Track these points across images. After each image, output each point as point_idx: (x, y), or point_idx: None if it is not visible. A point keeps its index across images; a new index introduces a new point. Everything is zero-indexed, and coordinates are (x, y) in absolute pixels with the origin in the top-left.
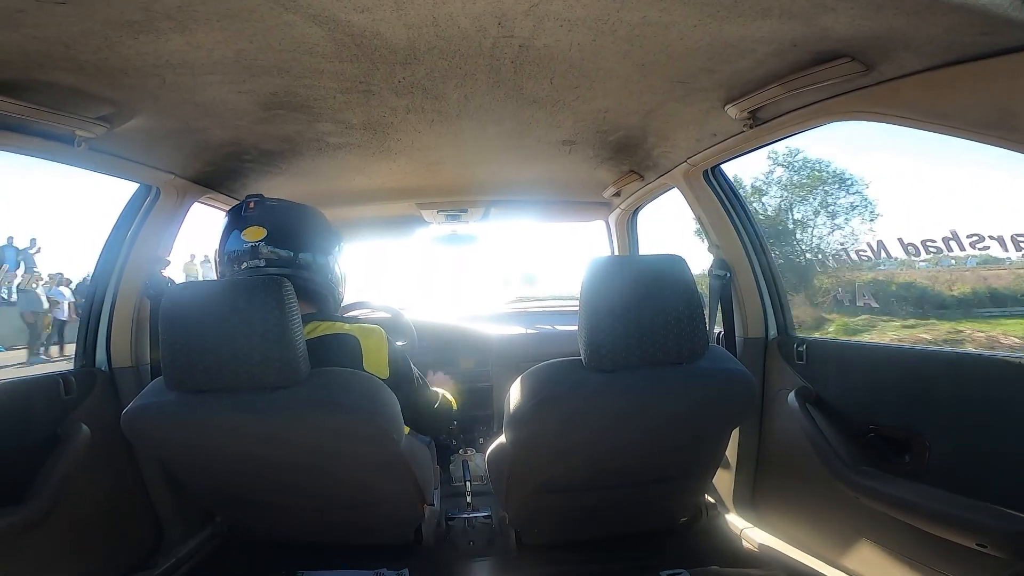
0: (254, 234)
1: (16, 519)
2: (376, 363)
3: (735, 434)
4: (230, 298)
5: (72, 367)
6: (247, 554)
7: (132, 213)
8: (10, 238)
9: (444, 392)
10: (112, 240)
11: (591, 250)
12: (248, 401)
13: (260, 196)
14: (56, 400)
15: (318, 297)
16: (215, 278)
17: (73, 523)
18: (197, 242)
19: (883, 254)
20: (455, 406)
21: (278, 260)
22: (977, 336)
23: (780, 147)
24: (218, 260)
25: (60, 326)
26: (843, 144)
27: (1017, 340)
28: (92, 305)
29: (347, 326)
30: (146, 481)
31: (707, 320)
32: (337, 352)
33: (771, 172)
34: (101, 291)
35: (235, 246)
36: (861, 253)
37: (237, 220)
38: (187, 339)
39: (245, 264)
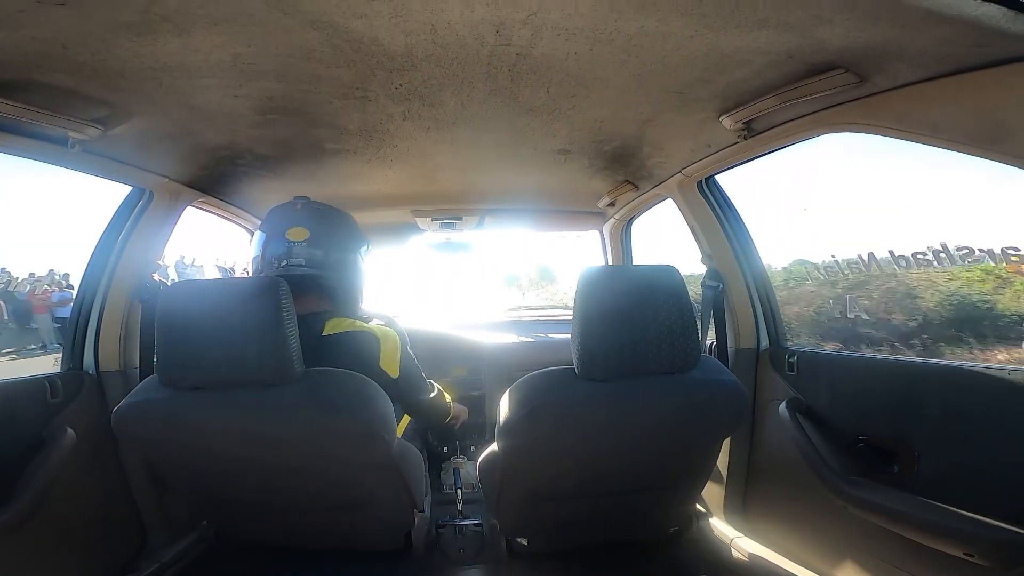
0: (298, 234)
1: None
2: (391, 362)
3: (726, 444)
4: (225, 296)
5: (59, 370)
6: (233, 559)
7: (124, 216)
8: None
9: (440, 387)
10: (103, 243)
11: (591, 257)
12: (242, 398)
13: (307, 198)
14: (42, 403)
15: (340, 297)
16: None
17: (56, 527)
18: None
19: None
20: (448, 399)
21: (314, 261)
22: None
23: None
24: (259, 256)
25: None
26: None
27: None
28: (81, 308)
29: (367, 325)
30: (131, 485)
31: (699, 331)
32: (357, 348)
33: None
34: (91, 294)
35: (278, 244)
36: None
37: (284, 219)
38: (182, 336)
39: (284, 262)
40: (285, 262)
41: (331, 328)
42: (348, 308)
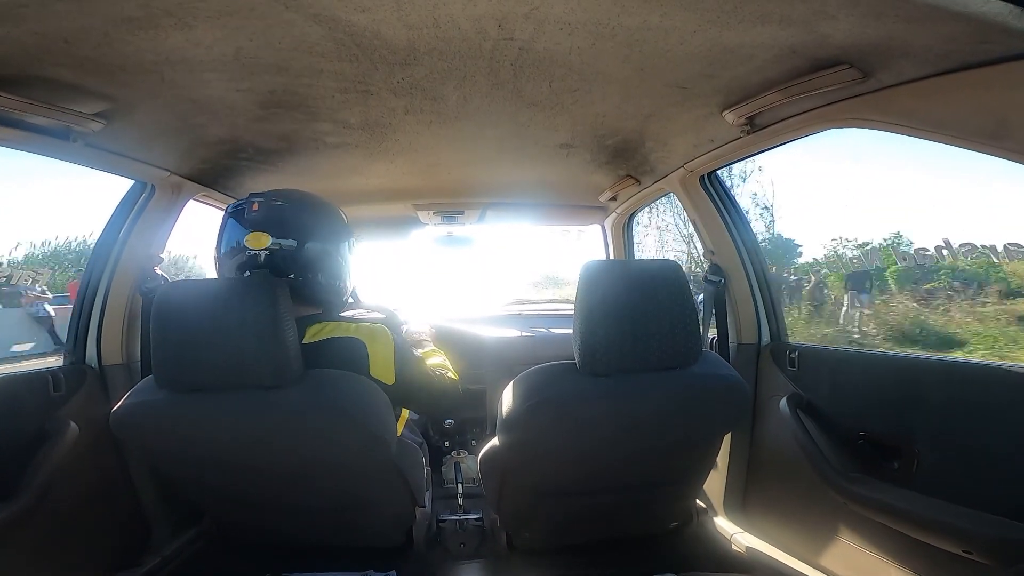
0: (257, 241)
1: (1, 516)
2: (383, 369)
3: (727, 439)
4: (222, 296)
5: (61, 363)
6: (235, 554)
7: (126, 210)
8: None
9: (445, 371)
10: (105, 236)
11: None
12: (239, 401)
13: (264, 195)
14: (45, 397)
15: (322, 299)
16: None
17: (59, 521)
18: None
19: None
20: (456, 376)
21: (280, 264)
22: None
23: None
24: (218, 262)
25: None
26: None
27: None
28: (84, 301)
29: (352, 327)
30: (134, 479)
31: (701, 325)
32: (343, 356)
33: None
34: (93, 287)
35: (237, 252)
36: None
37: (240, 222)
38: (178, 337)
39: (247, 273)
40: (247, 273)
41: (312, 335)
42: (331, 309)
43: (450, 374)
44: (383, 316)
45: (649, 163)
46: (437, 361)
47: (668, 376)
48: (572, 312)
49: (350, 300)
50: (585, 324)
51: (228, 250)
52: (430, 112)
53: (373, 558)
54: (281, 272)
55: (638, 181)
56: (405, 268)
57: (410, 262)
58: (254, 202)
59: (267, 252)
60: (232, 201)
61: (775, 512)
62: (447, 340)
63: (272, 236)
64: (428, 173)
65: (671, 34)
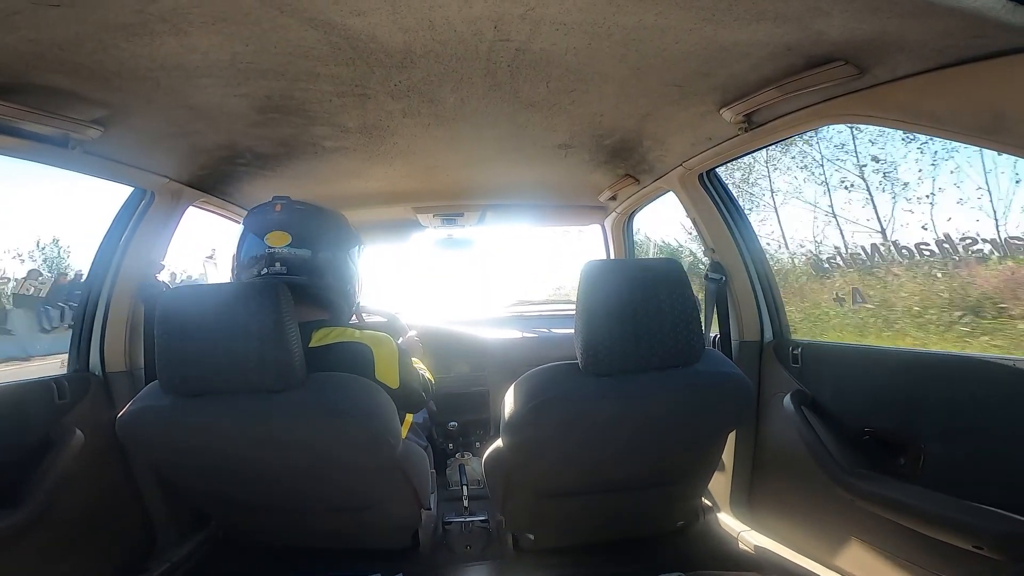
0: (279, 239)
1: (7, 524)
2: (388, 374)
3: (731, 437)
4: (226, 302)
5: (65, 371)
6: (241, 558)
7: (126, 217)
8: None
9: (424, 372)
10: (106, 244)
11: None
12: (244, 405)
13: (287, 198)
14: (49, 404)
15: (331, 304)
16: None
17: (66, 527)
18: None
19: None
20: (431, 377)
21: (297, 266)
22: None
23: None
24: (235, 262)
25: None
26: None
27: None
28: (86, 309)
29: (358, 333)
30: (139, 485)
31: (703, 324)
32: (349, 360)
33: None
34: (95, 295)
35: (257, 250)
36: None
37: (262, 222)
38: (183, 343)
39: (265, 270)
40: (265, 270)
41: (319, 339)
42: (339, 315)
43: (427, 374)
44: (385, 320)
45: (648, 162)
46: (418, 364)
47: (671, 375)
48: (574, 313)
49: (358, 301)
50: (587, 324)
51: (249, 248)
52: (428, 115)
53: (379, 560)
54: (294, 275)
55: (637, 180)
56: (406, 271)
57: (411, 265)
58: (277, 203)
59: (284, 254)
60: (232, 206)
61: (781, 510)
62: (448, 343)
63: (291, 237)
64: (427, 175)
65: (667, 33)
